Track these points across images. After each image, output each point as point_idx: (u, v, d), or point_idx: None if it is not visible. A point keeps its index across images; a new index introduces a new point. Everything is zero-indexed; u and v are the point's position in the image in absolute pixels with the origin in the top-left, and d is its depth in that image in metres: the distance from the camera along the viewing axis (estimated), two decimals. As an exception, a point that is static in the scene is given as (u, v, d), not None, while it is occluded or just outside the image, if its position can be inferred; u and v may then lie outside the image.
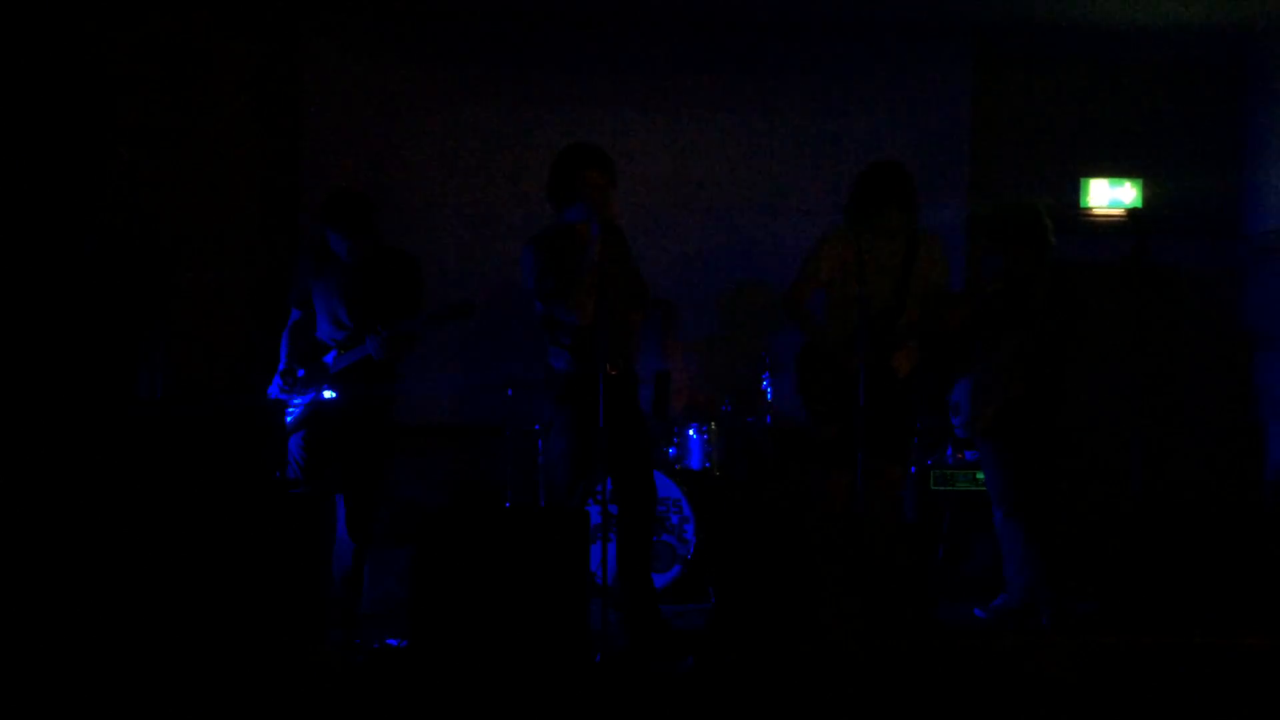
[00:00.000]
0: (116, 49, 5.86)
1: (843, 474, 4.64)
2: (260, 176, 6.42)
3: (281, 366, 4.80)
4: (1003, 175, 6.79)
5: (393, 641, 4.45)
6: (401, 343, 4.65)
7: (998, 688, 3.73)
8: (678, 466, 5.83)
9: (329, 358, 4.75)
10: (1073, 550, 5.20)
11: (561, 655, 3.74)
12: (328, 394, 4.71)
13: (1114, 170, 6.78)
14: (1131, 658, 4.04)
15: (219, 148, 6.25)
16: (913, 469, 5.62)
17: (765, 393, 5.99)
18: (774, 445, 6.02)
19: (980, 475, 5.63)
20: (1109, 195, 6.75)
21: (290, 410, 4.71)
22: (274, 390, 4.78)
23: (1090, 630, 4.77)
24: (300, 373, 4.76)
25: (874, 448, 4.47)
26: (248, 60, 6.39)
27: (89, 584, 3.46)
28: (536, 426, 5.73)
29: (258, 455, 3.81)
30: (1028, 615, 4.87)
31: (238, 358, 5.94)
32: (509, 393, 5.88)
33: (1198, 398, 6.71)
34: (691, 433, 5.90)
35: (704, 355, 6.53)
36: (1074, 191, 6.74)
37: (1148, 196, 6.72)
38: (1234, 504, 6.41)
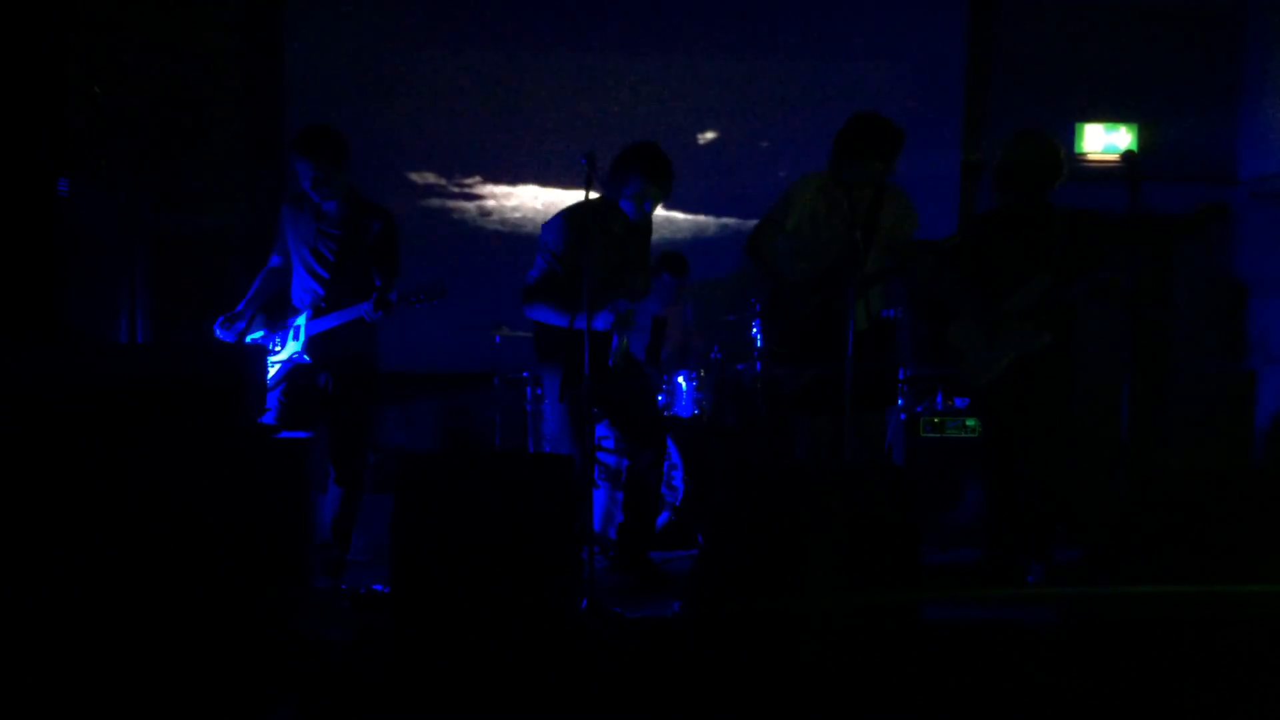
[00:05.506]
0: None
1: (823, 421, 4.65)
2: (243, 119, 6.34)
3: (238, 308, 4.76)
4: (997, 121, 6.71)
5: (379, 587, 4.46)
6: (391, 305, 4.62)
7: (980, 635, 3.73)
8: (667, 414, 5.82)
9: (303, 317, 4.69)
10: (1060, 497, 5.18)
11: (547, 602, 3.73)
12: (304, 357, 4.68)
13: (1110, 115, 6.71)
14: (1115, 605, 4.04)
15: (201, 89, 6.17)
16: (902, 416, 5.59)
17: (755, 340, 5.96)
18: (763, 392, 6.00)
19: (971, 422, 5.62)
20: (1104, 141, 6.70)
21: (273, 365, 4.67)
22: (216, 329, 4.75)
23: (1074, 578, 4.78)
24: (242, 323, 4.72)
25: (850, 395, 4.45)
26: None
27: (65, 528, 3.45)
28: (525, 374, 5.71)
29: (239, 400, 3.77)
30: (1012, 562, 4.85)
31: (221, 304, 5.88)
32: (497, 340, 5.86)
33: (1190, 345, 6.69)
34: (681, 380, 5.88)
35: (694, 301, 6.50)
36: (1069, 137, 6.68)
37: (1143, 142, 6.65)
38: (1225, 451, 6.41)
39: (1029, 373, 4.69)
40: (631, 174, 4.61)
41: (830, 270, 4.56)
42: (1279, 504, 3.93)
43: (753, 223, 6.46)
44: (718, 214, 6.59)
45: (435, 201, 6.50)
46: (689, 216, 6.60)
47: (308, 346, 4.66)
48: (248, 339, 4.78)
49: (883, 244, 4.75)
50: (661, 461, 4.91)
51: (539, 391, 5.65)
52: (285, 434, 4.30)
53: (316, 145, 4.57)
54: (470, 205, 6.53)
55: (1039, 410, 4.72)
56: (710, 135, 6.63)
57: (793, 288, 4.77)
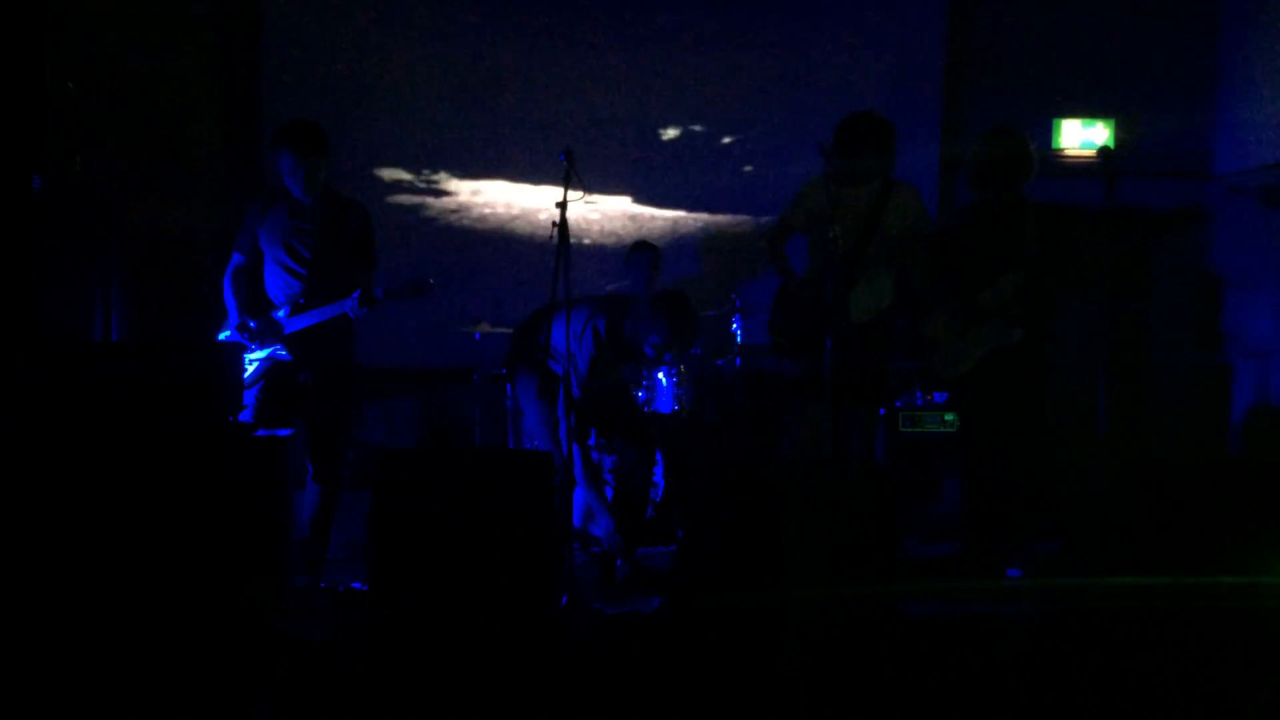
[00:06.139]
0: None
1: (815, 412, 4.70)
2: (219, 117, 6.29)
3: (235, 321, 4.69)
4: (975, 116, 6.72)
5: (358, 585, 4.43)
6: (376, 302, 4.59)
7: (959, 629, 3.74)
8: (647, 409, 5.81)
9: (280, 315, 4.65)
10: (1038, 491, 5.20)
11: (526, 598, 3.71)
12: (283, 354, 4.64)
13: (1087, 110, 6.74)
14: (1094, 598, 4.06)
15: (178, 86, 6.11)
16: (881, 410, 5.60)
17: (735, 335, 5.96)
18: (743, 388, 6.00)
19: (949, 417, 5.63)
20: (1081, 136, 6.71)
21: (251, 363, 4.64)
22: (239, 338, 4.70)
23: (1053, 571, 4.79)
24: (253, 325, 4.67)
25: (844, 388, 4.50)
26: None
27: (40, 526, 3.42)
28: (504, 370, 5.69)
29: (214, 398, 3.75)
30: (991, 555, 4.87)
31: (196, 302, 5.84)
32: (477, 336, 5.84)
33: (1167, 338, 6.73)
34: (661, 375, 5.87)
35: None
36: (1046, 132, 6.70)
37: (1120, 137, 6.68)
38: (1201, 444, 6.44)
39: (1002, 368, 4.71)
40: (657, 330, 4.70)
41: (837, 265, 4.65)
42: (1255, 496, 3.96)
43: (728, 218, 6.47)
44: (692, 209, 6.58)
45: (404, 198, 6.48)
46: (664, 212, 6.59)
47: (288, 344, 4.63)
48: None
49: (887, 240, 4.81)
50: (648, 461, 4.93)
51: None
52: (264, 432, 4.29)
53: (304, 140, 4.54)
54: (439, 201, 6.51)
55: (1012, 405, 4.74)
56: (685, 130, 6.62)
57: (797, 283, 4.93)
